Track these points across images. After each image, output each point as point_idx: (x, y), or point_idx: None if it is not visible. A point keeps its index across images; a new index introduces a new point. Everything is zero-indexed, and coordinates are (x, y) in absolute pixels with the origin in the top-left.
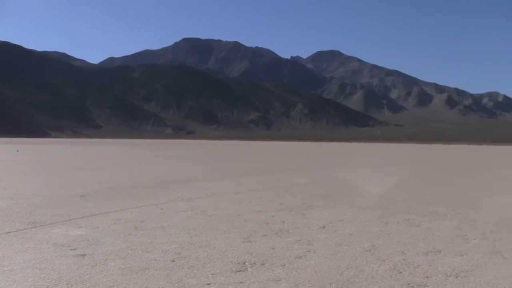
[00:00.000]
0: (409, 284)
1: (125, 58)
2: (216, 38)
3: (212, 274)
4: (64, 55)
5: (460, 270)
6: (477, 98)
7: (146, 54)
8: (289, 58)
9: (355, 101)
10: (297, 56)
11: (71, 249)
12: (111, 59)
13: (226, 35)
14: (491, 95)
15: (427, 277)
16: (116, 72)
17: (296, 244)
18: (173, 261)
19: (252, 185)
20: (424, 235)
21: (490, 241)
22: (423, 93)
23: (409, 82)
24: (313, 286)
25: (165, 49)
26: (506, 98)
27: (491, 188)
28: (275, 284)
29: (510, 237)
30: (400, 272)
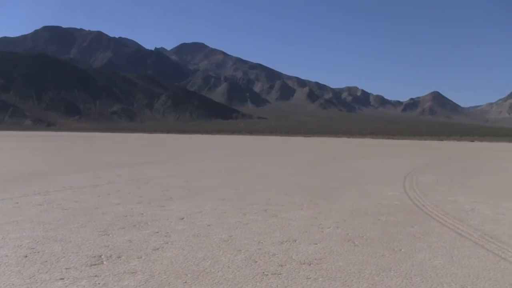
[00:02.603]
0: (263, 272)
1: None
2: (78, 27)
3: (66, 269)
4: None
5: (313, 258)
6: (337, 93)
7: (3, 41)
8: (153, 49)
9: (219, 94)
10: (162, 48)
11: None
12: None
13: (89, 24)
14: (351, 90)
15: (281, 265)
16: None
17: (154, 236)
18: (26, 256)
19: (112, 177)
20: (280, 225)
21: (343, 230)
22: (285, 86)
23: (272, 75)
24: (169, 277)
25: (24, 37)
26: (364, 93)
27: (348, 179)
28: (131, 276)
29: (362, 225)
30: (256, 261)
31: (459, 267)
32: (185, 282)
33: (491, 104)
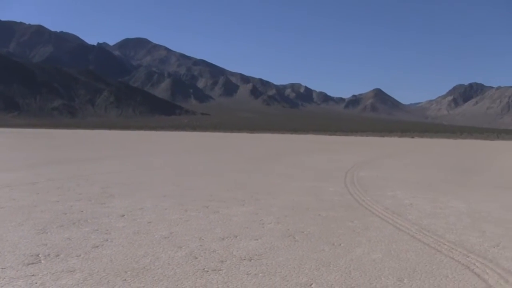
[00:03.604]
0: (204, 269)
1: None
2: (18, 20)
3: (2, 268)
4: None
5: (254, 254)
6: (280, 89)
7: None
8: (95, 44)
9: (162, 90)
10: (104, 43)
11: None
12: None
13: (29, 18)
14: (294, 87)
15: (222, 261)
16: None
17: (94, 233)
18: None
19: (51, 174)
20: (222, 221)
21: (284, 225)
22: (229, 83)
23: (216, 72)
24: (108, 275)
25: None
26: (307, 89)
27: (290, 174)
28: (69, 275)
29: (303, 220)
30: (196, 258)
31: (397, 261)
32: (125, 279)
33: (430, 101)
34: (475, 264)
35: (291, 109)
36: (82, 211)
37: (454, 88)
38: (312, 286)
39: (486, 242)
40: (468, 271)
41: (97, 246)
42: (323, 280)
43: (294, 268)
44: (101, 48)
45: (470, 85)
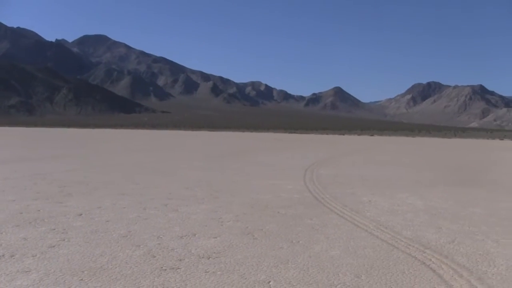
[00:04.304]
0: (162, 267)
1: None
2: None
3: None
4: None
5: (212, 252)
6: (241, 87)
7: None
8: (53, 41)
9: (122, 87)
10: (63, 39)
11: None
12: None
13: None
14: (254, 85)
15: (180, 260)
16: None
17: (50, 233)
18: None
19: (7, 173)
20: (181, 219)
21: (243, 223)
22: (189, 80)
23: (176, 69)
24: (65, 275)
25: None
26: (267, 87)
27: (249, 172)
28: (24, 275)
29: (262, 218)
30: (154, 256)
31: (354, 257)
32: (81, 279)
33: (390, 99)
34: (431, 259)
35: (252, 107)
36: (39, 210)
37: (413, 87)
38: (270, 283)
39: (442, 238)
40: (424, 266)
41: (53, 246)
42: (281, 277)
43: (252, 265)
44: (60, 44)
45: (428, 84)
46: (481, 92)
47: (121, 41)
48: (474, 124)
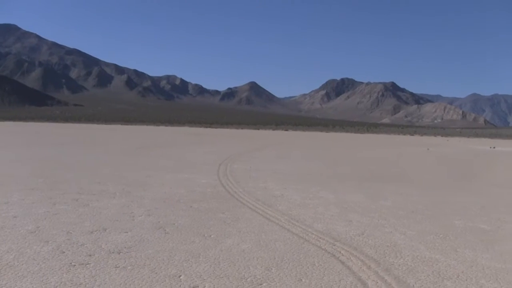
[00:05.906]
0: (71, 263)
1: None
2: None
3: None
4: None
5: (123, 246)
6: (156, 81)
7: None
8: None
9: (33, 79)
10: None
11: None
12: None
13: None
14: (169, 78)
15: (90, 255)
16: None
17: None
18: None
19: None
20: (91, 214)
21: (155, 217)
22: (103, 73)
23: (90, 62)
24: None
25: None
26: (183, 81)
27: (163, 166)
28: None
29: (174, 212)
30: (63, 252)
31: (265, 250)
32: None
33: (304, 95)
34: (340, 252)
35: (167, 101)
36: None
37: (327, 83)
38: (181, 277)
39: (352, 231)
40: (334, 259)
41: None
42: (192, 271)
43: (163, 260)
44: None
45: (342, 80)
46: (393, 89)
47: (32, 31)
48: (386, 120)
